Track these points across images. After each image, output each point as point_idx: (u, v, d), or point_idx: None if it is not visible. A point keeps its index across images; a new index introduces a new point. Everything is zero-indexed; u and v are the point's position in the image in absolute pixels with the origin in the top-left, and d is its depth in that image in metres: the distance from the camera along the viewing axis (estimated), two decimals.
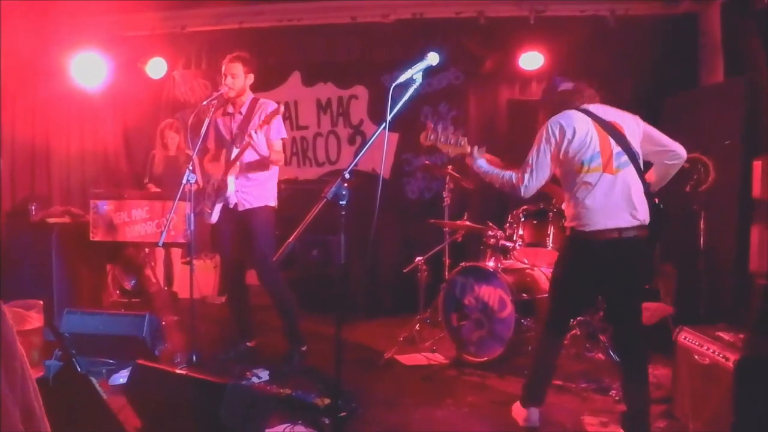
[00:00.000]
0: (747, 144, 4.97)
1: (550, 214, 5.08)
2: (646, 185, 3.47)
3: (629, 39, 6.56)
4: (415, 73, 2.90)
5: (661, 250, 5.40)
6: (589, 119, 3.48)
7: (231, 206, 4.83)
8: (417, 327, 5.51)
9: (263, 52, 7.19)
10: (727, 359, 3.23)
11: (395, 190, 7.29)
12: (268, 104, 4.79)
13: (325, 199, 2.73)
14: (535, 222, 5.20)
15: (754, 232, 4.73)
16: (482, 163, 3.77)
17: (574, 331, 5.13)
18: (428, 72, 2.99)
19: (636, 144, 3.50)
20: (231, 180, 4.77)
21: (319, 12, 7.09)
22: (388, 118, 2.82)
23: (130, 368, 3.59)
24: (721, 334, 3.43)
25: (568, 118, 3.49)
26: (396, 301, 6.67)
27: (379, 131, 2.87)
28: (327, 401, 3.92)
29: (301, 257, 6.77)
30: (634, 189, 3.42)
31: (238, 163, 4.76)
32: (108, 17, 7.11)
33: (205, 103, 4.75)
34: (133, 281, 6.53)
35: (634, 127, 3.55)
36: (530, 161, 3.54)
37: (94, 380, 3.27)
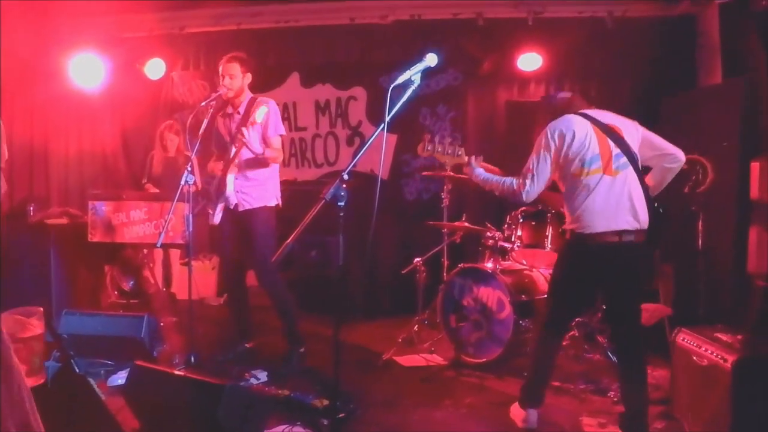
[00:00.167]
0: (745, 145, 4.98)
1: (549, 215, 5.09)
2: (646, 187, 3.48)
3: (627, 40, 6.57)
4: (413, 74, 2.91)
5: (660, 252, 5.41)
6: (587, 122, 3.50)
7: (231, 207, 4.83)
8: (415, 328, 5.51)
9: (262, 53, 7.19)
10: (725, 360, 3.23)
11: (394, 191, 7.29)
12: (264, 102, 4.81)
13: (323, 200, 2.74)
14: (533, 223, 5.22)
15: (752, 233, 4.73)
16: (480, 171, 3.80)
17: (572, 333, 5.13)
18: (427, 73, 3.00)
19: (635, 147, 3.51)
20: (230, 179, 4.77)
21: (317, 13, 7.08)
22: (387, 119, 2.83)
23: (128, 369, 3.59)
24: (719, 335, 3.44)
25: (567, 122, 3.51)
26: (394, 302, 6.67)
27: (377, 132, 2.88)
28: (325, 402, 3.92)
29: (300, 258, 6.77)
30: (634, 191, 3.43)
31: (236, 161, 4.76)
32: (106, 18, 7.10)
33: (203, 104, 4.75)
34: (132, 282, 6.52)
35: (632, 131, 3.56)
36: (531, 167, 3.56)
37: (92, 381, 3.26)
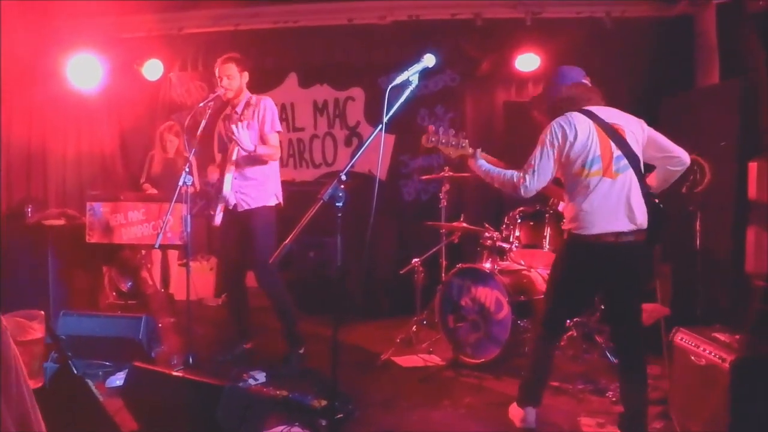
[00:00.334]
0: (743, 145, 4.98)
1: (547, 215, 5.09)
2: (646, 188, 3.48)
3: (625, 41, 6.58)
4: (411, 74, 2.90)
5: (659, 251, 5.42)
6: (590, 122, 3.47)
7: (231, 207, 4.83)
8: (414, 328, 5.51)
9: (260, 53, 7.18)
10: (723, 360, 3.23)
11: (392, 192, 7.30)
12: (262, 100, 4.83)
13: (321, 201, 2.73)
14: (531, 223, 5.22)
15: (750, 233, 4.74)
16: (483, 163, 3.78)
17: (570, 333, 5.14)
18: (425, 74, 2.99)
19: (637, 147, 3.49)
20: (227, 178, 4.77)
21: (315, 14, 7.08)
22: (385, 119, 2.83)
23: (126, 370, 3.59)
24: (717, 335, 3.44)
25: (571, 120, 3.49)
26: (393, 303, 6.67)
27: (375, 133, 2.88)
28: (324, 403, 3.91)
29: (298, 259, 6.77)
30: (633, 193, 3.43)
31: (233, 159, 4.76)
32: (104, 19, 7.09)
33: (201, 104, 4.76)
34: (130, 283, 6.51)
35: (637, 130, 3.54)
36: (533, 162, 3.54)
37: (90, 382, 3.26)
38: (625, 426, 3.54)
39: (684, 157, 3.57)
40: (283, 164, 7.54)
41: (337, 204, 2.76)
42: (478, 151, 3.82)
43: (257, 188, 4.86)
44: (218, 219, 4.84)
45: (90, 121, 7.60)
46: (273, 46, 7.35)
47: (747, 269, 4.75)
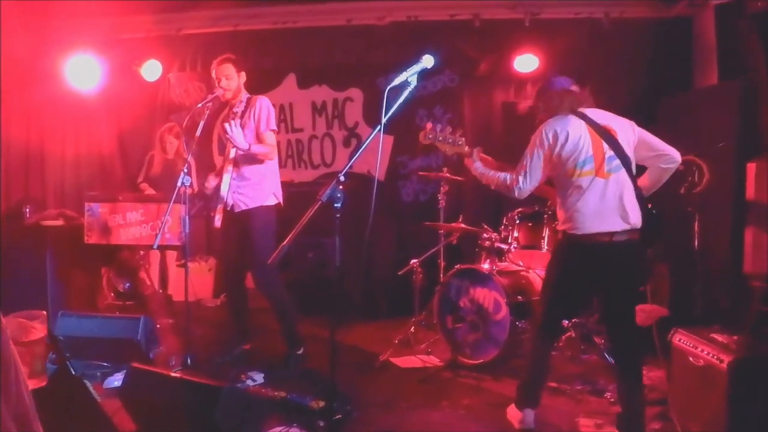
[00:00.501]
0: (741, 146, 4.99)
1: (545, 216, 5.09)
2: (638, 189, 3.50)
3: (624, 42, 6.59)
4: (410, 75, 2.91)
5: (656, 252, 5.42)
6: (582, 123, 3.51)
7: (229, 208, 4.83)
8: (412, 329, 5.51)
9: (258, 54, 7.19)
10: (721, 361, 3.23)
11: (390, 193, 7.30)
12: (258, 99, 4.84)
13: (320, 202, 2.73)
14: (530, 224, 5.23)
15: (748, 234, 4.75)
16: (479, 165, 3.81)
17: (569, 333, 5.14)
18: (423, 74, 3.00)
19: (629, 149, 3.52)
20: (225, 179, 4.77)
21: (314, 14, 7.08)
22: (383, 120, 2.83)
23: (124, 371, 3.59)
24: (715, 335, 3.44)
25: (563, 122, 3.52)
26: (391, 304, 6.67)
27: (374, 134, 2.88)
28: (322, 404, 3.91)
29: (297, 260, 6.77)
30: (626, 193, 3.45)
31: (231, 159, 4.76)
32: (103, 19, 7.09)
33: (200, 105, 4.75)
34: (128, 284, 6.51)
35: (628, 132, 3.57)
36: (525, 164, 3.58)
37: (88, 383, 3.26)
38: (623, 426, 3.55)
39: (675, 155, 3.60)
40: (282, 165, 7.53)
41: (335, 205, 2.76)
42: (476, 150, 3.84)
43: (254, 188, 4.85)
44: (218, 221, 4.84)
45: (88, 122, 7.59)
46: (272, 46, 7.35)
47: (745, 270, 4.76)
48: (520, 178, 3.57)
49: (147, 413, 3.39)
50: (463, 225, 5.39)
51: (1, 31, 5.85)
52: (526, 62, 6.81)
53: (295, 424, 3.70)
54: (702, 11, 6.31)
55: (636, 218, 3.45)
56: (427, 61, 2.96)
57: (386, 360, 5.08)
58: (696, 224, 4.83)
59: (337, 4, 6.97)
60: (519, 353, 4.77)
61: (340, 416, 3.83)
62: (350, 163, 2.94)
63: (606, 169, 3.44)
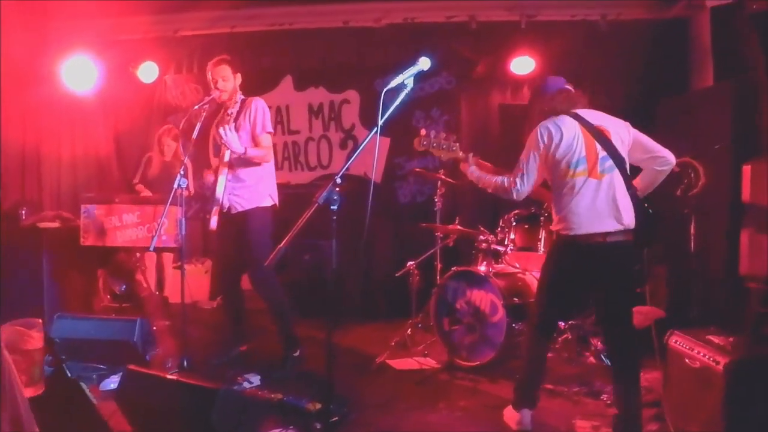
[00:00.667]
0: (737, 148, 5.00)
1: (542, 218, 5.10)
2: (633, 189, 3.51)
3: (620, 43, 6.60)
4: (406, 77, 2.91)
5: (653, 254, 5.42)
6: (576, 124, 3.53)
7: (225, 209, 4.83)
8: (409, 331, 5.51)
9: (255, 56, 7.19)
10: (717, 363, 3.23)
11: (387, 195, 7.30)
12: (253, 102, 4.84)
13: (316, 204, 2.73)
14: (526, 226, 5.24)
15: (744, 236, 4.75)
16: (474, 169, 3.83)
17: (566, 335, 5.15)
18: (420, 76, 3.00)
19: (623, 149, 3.54)
20: (221, 180, 4.76)
21: (311, 16, 7.09)
22: (380, 122, 2.83)
23: (121, 373, 3.58)
24: (711, 337, 3.44)
25: (557, 122, 3.54)
26: (388, 306, 6.67)
27: (370, 136, 2.88)
28: (319, 406, 3.91)
29: (294, 262, 6.76)
30: (619, 194, 3.46)
31: (226, 162, 4.76)
32: (99, 21, 7.08)
33: (196, 107, 4.75)
34: (124, 286, 6.50)
35: (623, 132, 3.59)
36: (521, 165, 3.60)
37: (84, 385, 3.26)
38: (619, 428, 3.54)
39: (669, 157, 3.62)
40: (279, 167, 7.54)
41: (332, 207, 2.77)
42: (471, 156, 3.86)
43: (250, 190, 4.85)
44: (214, 222, 4.83)
45: (85, 123, 7.59)
46: (268, 48, 7.35)
47: (741, 271, 4.76)
48: (518, 180, 3.59)
49: (143, 415, 3.38)
50: (459, 227, 5.40)
51: None
52: (523, 64, 6.82)
53: (291, 427, 3.70)
54: (698, 13, 6.33)
55: (629, 219, 3.47)
56: (424, 63, 2.96)
57: (383, 362, 5.07)
58: (692, 226, 4.84)
59: (334, 5, 6.97)
60: (515, 355, 4.76)
61: (336, 418, 3.83)
62: (347, 165, 2.94)
63: (599, 170, 3.46)
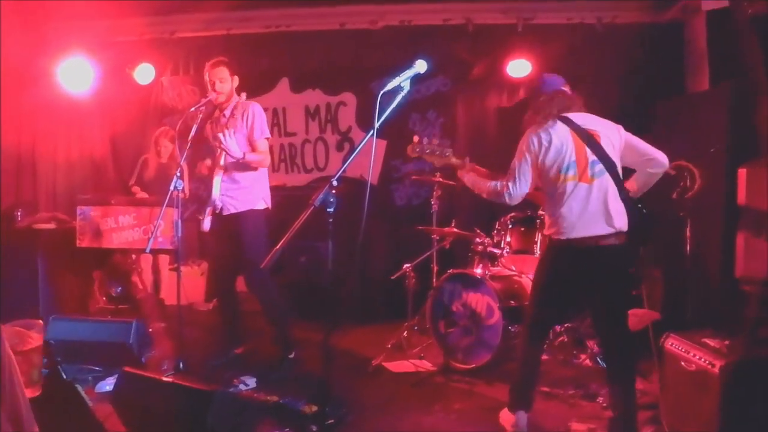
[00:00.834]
0: (732, 151, 5.01)
1: (538, 221, 5.11)
2: (625, 192, 3.53)
3: (616, 46, 6.61)
4: (403, 80, 2.92)
5: (648, 256, 5.43)
6: (567, 128, 3.56)
7: (218, 211, 4.83)
8: (405, 334, 5.51)
9: (252, 58, 7.18)
10: (713, 365, 3.24)
11: (383, 197, 7.30)
12: (250, 106, 4.83)
13: (313, 206, 2.74)
14: (522, 229, 5.25)
15: (740, 239, 4.76)
16: (470, 175, 3.85)
17: (561, 338, 5.15)
18: (416, 79, 3.01)
19: (614, 153, 3.56)
20: (216, 181, 4.76)
21: (308, 18, 7.09)
22: (376, 125, 2.84)
23: (116, 375, 3.57)
24: (707, 340, 3.45)
25: (547, 128, 3.57)
26: (384, 308, 6.66)
27: (367, 138, 2.89)
28: (315, 408, 3.90)
29: (290, 264, 6.76)
30: (611, 197, 3.49)
31: (221, 164, 4.76)
32: (96, 22, 7.07)
33: (193, 109, 4.74)
34: (120, 288, 6.49)
35: (614, 136, 3.61)
36: (513, 170, 3.64)
37: (80, 387, 3.25)
38: (615, 431, 3.55)
39: (662, 159, 3.64)
40: (275, 169, 7.55)
41: (328, 209, 2.77)
42: (467, 160, 3.87)
43: (244, 192, 4.86)
44: (207, 224, 4.84)
45: (81, 125, 7.58)
46: (265, 50, 7.35)
47: (737, 274, 4.77)
48: (510, 184, 3.62)
49: (139, 418, 3.37)
50: (455, 229, 5.40)
51: None
52: (519, 67, 6.82)
53: (287, 429, 3.70)
54: (694, 16, 6.34)
55: (621, 222, 3.48)
56: (420, 65, 2.97)
57: (379, 364, 5.07)
58: (688, 229, 4.84)
59: (331, 8, 6.97)
60: (511, 358, 4.76)
61: (332, 421, 3.83)
62: (343, 168, 2.94)
63: (589, 174, 3.49)
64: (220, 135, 4.57)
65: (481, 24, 6.86)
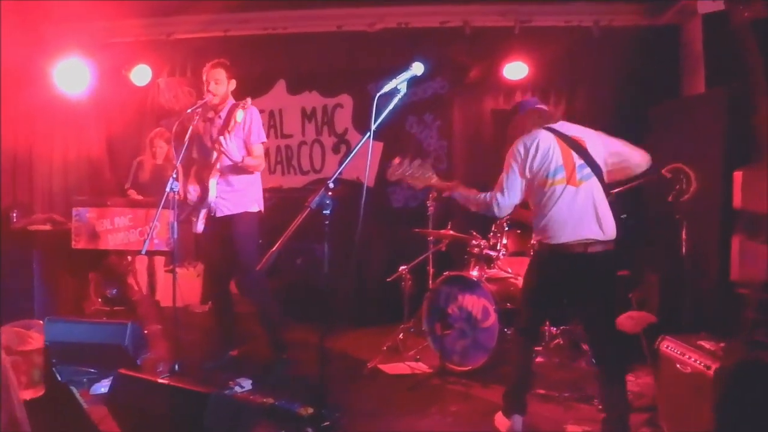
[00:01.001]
0: (728, 154, 5.02)
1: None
2: (611, 197, 3.59)
3: (613, 49, 6.61)
4: (400, 82, 2.92)
5: (644, 260, 5.44)
6: (552, 135, 3.62)
7: (213, 213, 4.82)
8: (401, 336, 5.50)
9: (249, 60, 7.17)
10: (708, 368, 3.25)
11: (380, 199, 7.29)
12: (249, 111, 4.81)
13: (309, 209, 2.74)
14: (518, 231, 5.26)
15: (735, 242, 4.77)
16: (460, 191, 3.86)
17: (557, 341, 5.16)
18: (413, 81, 3.01)
19: (599, 158, 3.62)
20: (212, 184, 4.76)
21: (305, 20, 7.09)
22: (373, 127, 2.84)
23: (111, 377, 3.56)
24: (702, 342, 3.45)
25: (532, 136, 3.63)
26: (380, 310, 6.65)
27: (363, 140, 2.89)
28: (310, 410, 3.90)
29: (286, 266, 6.75)
30: (598, 200, 3.54)
31: (218, 167, 4.76)
32: (92, 24, 7.07)
33: (189, 111, 4.73)
34: (116, 289, 6.48)
35: (597, 142, 3.67)
36: (502, 181, 3.67)
37: (75, 389, 3.24)
38: (607, 430, 3.56)
39: (642, 160, 3.72)
40: (271, 171, 7.54)
41: (324, 211, 2.77)
42: (456, 185, 3.89)
43: (239, 194, 4.87)
44: (200, 226, 4.83)
45: (77, 126, 7.56)
46: (262, 52, 7.35)
47: (732, 277, 4.78)
48: (498, 195, 3.65)
49: (134, 420, 3.36)
50: (452, 232, 5.40)
51: None
52: (516, 70, 6.83)
53: (283, 431, 3.69)
54: (690, 20, 6.36)
55: (609, 227, 3.54)
56: (417, 68, 2.97)
57: (375, 367, 5.07)
58: (684, 232, 4.85)
59: (328, 10, 6.97)
60: (508, 360, 4.75)
61: (328, 423, 3.82)
62: (340, 170, 2.94)
63: (578, 178, 3.54)
64: (221, 139, 4.57)
65: (479, 26, 6.86)
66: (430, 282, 5.46)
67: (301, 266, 6.74)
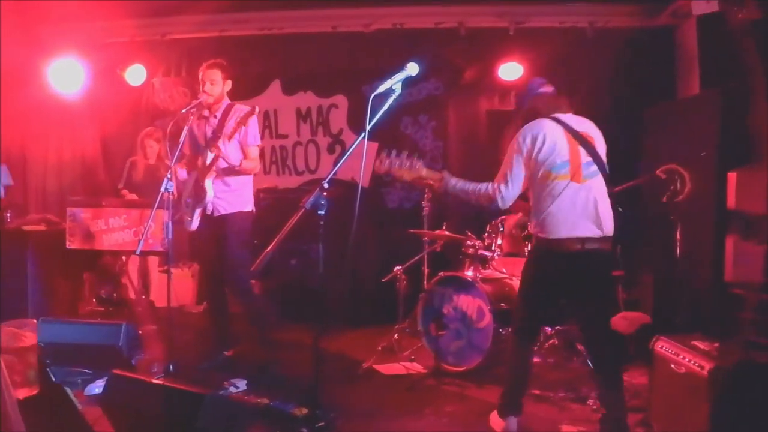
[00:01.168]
0: (722, 155, 5.03)
1: (529, 224, 5.11)
2: (614, 197, 3.54)
3: (608, 51, 6.63)
4: (394, 83, 2.93)
5: (639, 260, 5.45)
6: (560, 128, 3.54)
7: (209, 212, 4.82)
8: (396, 336, 5.50)
9: (244, 60, 7.17)
10: (702, 368, 3.26)
11: (375, 200, 7.29)
12: (242, 109, 4.82)
13: (303, 209, 2.74)
14: (513, 232, 5.24)
15: (729, 243, 4.78)
16: (455, 181, 3.69)
17: (552, 341, 5.16)
18: (408, 82, 3.01)
19: (604, 157, 3.57)
20: (209, 184, 4.75)
21: (300, 21, 7.09)
22: (368, 127, 2.84)
23: (106, 378, 3.56)
24: (696, 343, 3.46)
25: (539, 126, 3.55)
26: (375, 311, 6.65)
27: (358, 141, 2.89)
28: (305, 411, 3.89)
29: (280, 266, 6.74)
30: (600, 200, 3.49)
31: (213, 168, 4.76)
32: (87, 23, 7.06)
33: (184, 111, 4.73)
34: (110, 290, 6.46)
35: (602, 140, 3.64)
36: (505, 171, 3.59)
37: (69, 390, 3.23)
38: (606, 428, 3.56)
39: None
40: (266, 171, 7.54)
41: (319, 212, 2.77)
42: (445, 173, 3.72)
43: (235, 194, 4.88)
44: (195, 223, 4.83)
45: (71, 126, 7.55)
46: (257, 52, 7.35)
47: (726, 278, 4.79)
48: (503, 186, 3.57)
49: (128, 421, 3.36)
50: (447, 232, 5.40)
51: None
52: (511, 70, 6.83)
53: None
54: (685, 21, 6.38)
55: (609, 226, 3.49)
56: (412, 69, 2.97)
57: (370, 367, 5.07)
58: (678, 232, 4.86)
59: (323, 11, 6.98)
60: (503, 360, 4.75)
61: (323, 423, 3.81)
62: (334, 170, 2.95)
63: (583, 175, 3.48)
64: (219, 142, 4.58)
65: (474, 27, 6.88)
66: (425, 282, 5.46)
67: (296, 266, 6.73)
